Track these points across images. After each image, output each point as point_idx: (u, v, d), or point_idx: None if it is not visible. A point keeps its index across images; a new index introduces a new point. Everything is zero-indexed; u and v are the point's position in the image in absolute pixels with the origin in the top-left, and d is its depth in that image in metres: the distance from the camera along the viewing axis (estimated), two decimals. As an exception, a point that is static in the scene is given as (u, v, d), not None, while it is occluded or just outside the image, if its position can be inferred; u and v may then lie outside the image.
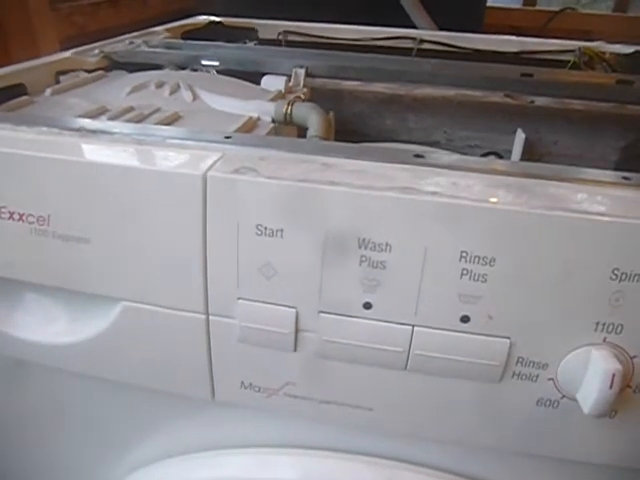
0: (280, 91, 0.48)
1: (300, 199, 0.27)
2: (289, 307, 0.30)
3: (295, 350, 0.31)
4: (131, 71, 0.55)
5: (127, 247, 0.30)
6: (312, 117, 0.40)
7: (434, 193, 0.27)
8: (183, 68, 0.55)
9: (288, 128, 0.43)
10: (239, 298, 0.30)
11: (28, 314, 0.36)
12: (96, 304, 0.33)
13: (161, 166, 0.29)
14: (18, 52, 0.66)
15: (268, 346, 0.31)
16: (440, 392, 0.31)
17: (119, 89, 0.46)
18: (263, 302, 0.30)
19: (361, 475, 0.37)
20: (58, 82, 0.51)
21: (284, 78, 0.50)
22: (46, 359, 0.36)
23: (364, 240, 0.27)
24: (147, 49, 0.60)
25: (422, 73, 0.58)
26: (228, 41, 0.79)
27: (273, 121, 0.42)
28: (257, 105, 0.42)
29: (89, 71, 0.54)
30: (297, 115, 0.41)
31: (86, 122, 0.34)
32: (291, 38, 0.80)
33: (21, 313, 0.36)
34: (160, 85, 0.46)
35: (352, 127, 0.59)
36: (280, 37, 0.80)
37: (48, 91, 0.46)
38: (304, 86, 0.52)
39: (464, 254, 0.27)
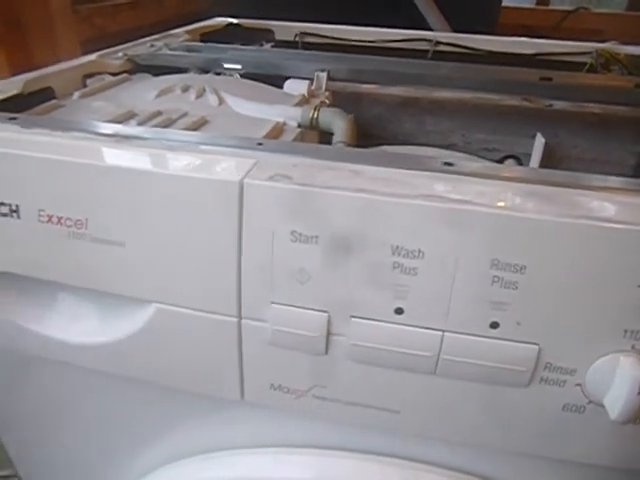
0: (304, 95, 0.49)
1: (332, 206, 0.28)
2: (321, 311, 0.30)
3: (325, 353, 0.31)
4: (155, 74, 0.56)
5: (161, 251, 0.31)
6: (338, 123, 0.41)
7: (465, 201, 0.27)
8: (206, 71, 0.56)
9: (311, 133, 0.44)
10: (272, 302, 0.31)
11: (60, 314, 0.37)
12: (128, 306, 0.34)
13: (197, 173, 0.29)
14: (40, 53, 0.67)
15: (298, 349, 0.32)
16: (467, 396, 0.31)
17: (145, 93, 0.47)
18: (296, 306, 0.30)
19: (378, 476, 0.38)
20: (85, 85, 0.51)
21: (307, 82, 0.51)
22: (77, 359, 0.37)
23: (397, 247, 0.28)
24: (169, 52, 0.60)
25: (439, 76, 0.59)
26: (245, 43, 0.80)
27: (299, 126, 0.42)
28: (283, 110, 0.43)
29: (114, 74, 0.55)
30: (323, 120, 0.42)
31: (120, 128, 0.35)
32: (307, 40, 0.81)
33: (53, 313, 0.37)
34: (186, 89, 0.47)
35: (370, 130, 0.59)
36: (297, 39, 0.81)
37: (76, 94, 0.47)
38: (326, 90, 0.53)
39: (495, 262, 0.27)
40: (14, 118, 0.36)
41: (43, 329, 0.37)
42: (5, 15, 0.60)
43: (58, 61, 0.70)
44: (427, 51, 0.79)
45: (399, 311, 0.29)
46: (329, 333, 0.31)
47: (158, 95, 0.46)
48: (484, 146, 0.59)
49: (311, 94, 0.51)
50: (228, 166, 0.30)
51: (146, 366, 0.35)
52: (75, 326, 0.36)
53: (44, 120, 0.35)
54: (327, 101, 0.44)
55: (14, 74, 0.62)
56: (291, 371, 0.33)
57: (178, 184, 0.29)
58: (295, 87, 0.51)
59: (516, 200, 0.27)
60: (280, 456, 0.39)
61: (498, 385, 0.30)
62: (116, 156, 0.31)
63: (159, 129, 0.36)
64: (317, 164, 0.30)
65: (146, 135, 0.34)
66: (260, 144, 0.32)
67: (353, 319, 0.30)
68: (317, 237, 0.28)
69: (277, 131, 0.40)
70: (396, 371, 0.31)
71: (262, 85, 0.51)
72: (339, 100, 0.54)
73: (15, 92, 0.42)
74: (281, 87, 0.53)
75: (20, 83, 0.44)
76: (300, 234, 0.29)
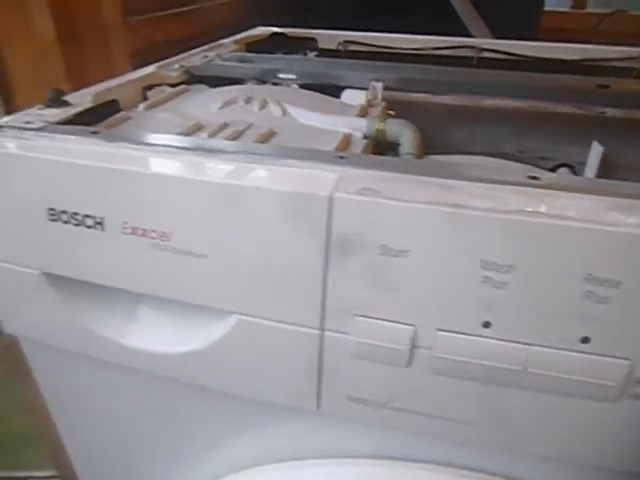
0: (363, 106, 0.49)
1: (426, 221, 0.28)
2: (407, 325, 0.30)
3: (409, 366, 0.32)
4: (211, 85, 0.56)
5: (244, 263, 0.32)
6: (405, 134, 0.41)
7: (559, 216, 0.27)
8: (263, 81, 0.56)
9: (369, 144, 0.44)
10: (356, 315, 0.31)
11: (139, 324, 0.37)
12: (208, 316, 0.34)
13: (284, 186, 0.30)
14: (94, 64, 0.68)
15: (381, 361, 0.32)
16: (551, 410, 0.31)
17: (208, 104, 0.48)
18: (381, 319, 0.31)
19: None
20: (145, 96, 0.53)
21: (364, 92, 0.51)
22: (154, 368, 0.38)
23: (488, 262, 0.28)
24: (223, 63, 0.61)
25: (489, 84, 0.59)
26: (289, 51, 0.81)
27: (364, 137, 0.43)
28: (348, 121, 0.43)
29: (172, 85, 0.56)
30: (390, 132, 0.42)
31: (200, 142, 0.36)
32: (350, 48, 0.81)
33: (132, 323, 0.38)
34: (248, 100, 0.48)
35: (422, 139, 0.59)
36: (340, 47, 0.81)
37: (141, 106, 0.48)
38: (382, 100, 0.53)
39: (588, 277, 0.27)
40: (95, 132, 0.36)
41: (121, 338, 0.37)
42: (62, 30, 0.61)
43: (111, 72, 0.72)
44: (471, 58, 0.79)
45: (487, 324, 0.29)
46: (414, 346, 0.31)
47: (222, 107, 0.47)
48: (538, 155, 0.58)
49: (368, 104, 0.51)
50: (313, 180, 0.30)
51: (223, 376, 0.36)
52: (153, 335, 0.37)
53: (124, 134, 0.36)
54: (392, 112, 0.44)
55: (74, 86, 0.64)
56: (371, 383, 0.33)
57: (264, 197, 0.30)
58: (353, 97, 0.51)
59: (611, 214, 0.27)
60: (347, 467, 0.40)
61: (585, 399, 0.30)
62: (201, 170, 0.32)
63: (238, 143, 0.37)
64: (402, 178, 0.31)
65: (228, 148, 0.34)
66: (342, 157, 0.32)
67: (440, 332, 0.30)
68: (407, 251, 0.29)
69: (345, 143, 0.40)
70: (479, 384, 0.31)
71: (320, 95, 0.52)
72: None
73: (89, 106, 0.43)
74: (335, 96, 0.54)
75: (89, 97, 0.45)
76: (390, 248, 0.29)
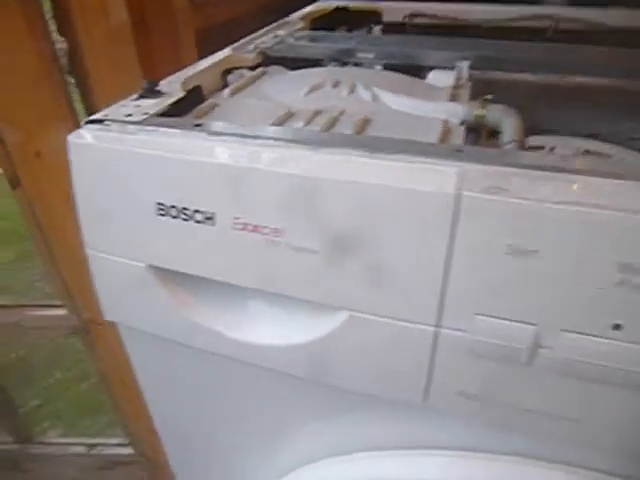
0: (451, 87, 0.48)
1: (560, 222, 0.27)
2: (530, 324, 0.30)
3: (528, 365, 0.31)
4: (289, 66, 0.55)
5: (359, 260, 0.31)
6: (507, 121, 0.39)
7: None
8: (341, 62, 0.55)
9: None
10: (477, 313, 0.30)
11: (246, 317, 0.38)
12: (316, 311, 0.35)
13: (408, 183, 0.29)
14: (161, 47, 0.68)
15: (499, 360, 0.31)
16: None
17: (293, 89, 0.47)
18: (502, 318, 0.30)
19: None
20: (225, 81, 0.52)
21: (453, 73, 0.49)
22: (261, 361, 0.38)
23: (625, 264, 0.27)
24: (296, 42, 0.60)
25: (576, 61, 0.56)
26: (354, 26, 0.79)
27: (461, 123, 0.41)
28: (445, 107, 0.42)
29: (248, 67, 0.55)
30: (490, 118, 0.40)
31: (306, 134, 0.35)
32: (417, 21, 0.78)
33: (239, 316, 0.38)
34: (335, 84, 0.47)
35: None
36: (406, 20, 0.78)
37: (226, 92, 0.48)
38: (468, 80, 0.51)
39: None
40: (198, 125, 0.36)
41: (227, 330, 0.38)
42: (133, 15, 0.61)
43: (177, 54, 0.72)
44: (546, 29, 0.75)
45: (617, 327, 0.28)
46: (535, 345, 0.30)
47: (309, 92, 0.46)
48: (631, 135, 0.56)
49: (456, 86, 0.49)
50: (436, 176, 0.29)
51: (328, 370, 0.36)
52: (259, 328, 0.37)
53: (227, 127, 0.36)
54: (489, 97, 0.43)
55: (144, 68, 0.64)
56: (485, 380, 0.33)
57: (388, 195, 0.29)
58: (439, 78, 0.50)
59: None
60: (430, 458, 0.40)
61: None
62: (313, 166, 0.31)
63: (345, 135, 0.36)
64: (527, 174, 0.29)
65: (336, 142, 0.33)
66: (459, 151, 0.31)
67: (565, 333, 0.29)
68: (537, 252, 0.28)
69: (447, 131, 0.39)
70: (595, 384, 0.31)
71: (407, 77, 0.50)
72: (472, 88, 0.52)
73: (181, 95, 0.42)
74: (415, 75, 0.52)
75: (178, 84, 0.45)
76: (517, 248, 0.28)
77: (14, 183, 0.66)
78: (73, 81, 0.64)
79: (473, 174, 0.29)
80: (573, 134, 0.56)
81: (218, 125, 0.36)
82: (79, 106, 0.65)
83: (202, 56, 0.71)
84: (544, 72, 0.56)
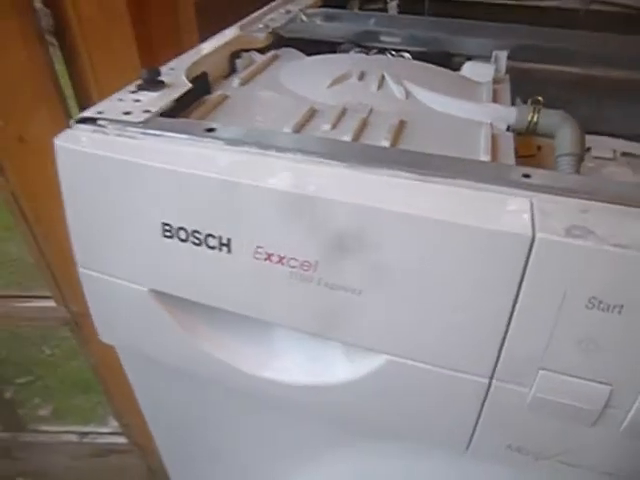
0: (491, 83, 0.42)
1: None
2: (604, 384, 0.26)
3: (593, 425, 0.27)
4: (303, 49, 0.49)
5: (409, 302, 0.27)
6: (565, 131, 0.34)
7: None
8: (362, 46, 0.49)
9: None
10: (541, 368, 0.26)
11: (262, 350, 0.33)
12: (354, 353, 0.30)
13: (470, 219, 0.24)
14: (158, 24, 0.61)
15: (561, 418, 0.27)
16: None
17: (313, 79, 0.41)
18: (572, 376, 0.26)
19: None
20: (233, 65, 0.46)
21: (492, 67, 0.44)
22: (282, 400, 0.34)
23: None
24: (310, 22, 0.54)
25: (618, 53, 0.50)
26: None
27: (508, 129, 0.36)
28: (493, 110, 0.36)
29: (258, 50, 0.49)
30: (544, 124, 0.35)
31: (342, 146, 0.30)
32: (437, -5, 0.72)
33: (253, 348, 0.34)
34: (362, 76, 0.41)
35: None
36: (425, -5, 0.72)
37: (235, 82, 0.42)
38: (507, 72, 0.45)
39: None
40: (211, 130, 0.31)
41: (238, 363, 0.34)
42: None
43: (177, 27, 0.65)
44: (578, 10, 0.69)
45: None
46: (606, 406, 0.26)
47: (332, 84, 0.40)
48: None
49: (494, 80, 0.44)
50: (505, 211, 0.25)
51: (359, 414, 0.32)
52: (281, 365, 0.33)
53: (246, 133, 0.30)
54: (540, 98, 0.37)
55: (140, 46, 0.58)
56: (541, 436, 0.29)
57: (443, 231, 0.24)
58: (477, 71, 0.44)
59: None
60: None
61: None
62: (358, 191, 0.26)
63: (391, 150, 0.31)
64: (614, 211, 0.25)
65: (376, 157, 0.28)
66: (527, 176, 0.27)
67: (644, 396, 0.25)
68: (622, 306, 0.23)
69: (494, 140, 0.34)
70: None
71: (440, 69, 0.44)
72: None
73: (186, 88, 0.37)
74: (443, 63, 0.46)
75: (182, 72, 0.39)
76: (601, 301, 0.23)
77: (-5, 170, 0.60)
78: (60, 59, 0.57)
79: (549, 209, 0.25)
80: (615, 135, 0.51)
81: (234, 131, 0.31)
82: (66, 84, 0.59)
83: (202, 29, 0.65)
84: (584, 64, 0.50)
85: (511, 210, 0.25)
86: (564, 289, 0.24)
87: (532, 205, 0.25)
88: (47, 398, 1.39)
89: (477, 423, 0.30)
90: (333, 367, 0.31)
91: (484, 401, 0.28)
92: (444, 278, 0.25)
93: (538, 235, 0.23)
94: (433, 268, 0.25)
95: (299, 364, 0.32)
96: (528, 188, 0.26)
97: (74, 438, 1.02)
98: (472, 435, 0.30)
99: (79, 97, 0.60)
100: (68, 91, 0.60)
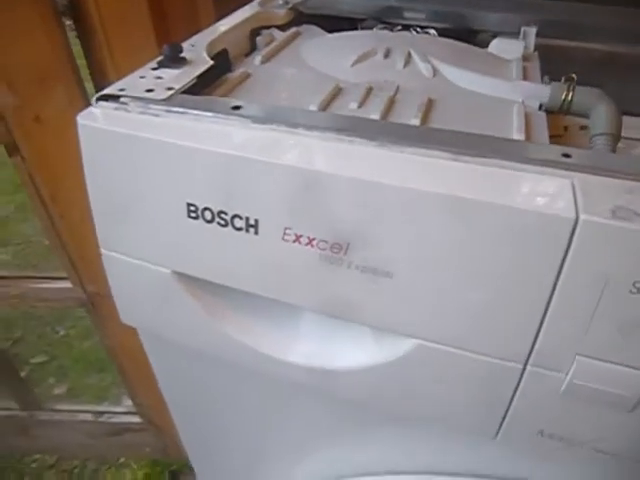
0: (520, 60, 0.41)
1: None
2: (643, 370, 0.25)
3: (630, 411, 0.26)
4: (324, 26, 0.48)
5: (444, 286, 0.26)
6: (601, 109, 0.33)
7: None
8: (385, 22, 0.48)
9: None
10: (578, 354, 0.25)
11: (304, 340, 0.33)
12: (382, 336, 0.30)
13: (510, 200, 0.23)
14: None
15: (598, 404, 0.27)
16: None
17: (337, 56, 0.40)
18: (613, 362, 0.25)
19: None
20: (254, 42, 0.45)
21: (521, 44, 0.42)
22: (317, 383, 0.33)
23: None
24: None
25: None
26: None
27: (540, 107, 0.35)
28: (525, 88, 0.35)
29: (278, 26, 0.48)
30: (579, 103, 0.34)
31: (376, 126, 0.29)
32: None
33: (298, 338, 0.33)
34: (388, 53, 0.40)
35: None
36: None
37: (257, 59, 0.41)
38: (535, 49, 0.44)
39: None
40: (237, 107, 0.30)
41: (293, 357, 0.33)
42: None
43: (194, 2, 0.63)
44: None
45: None
46: (644, 392, 0.25)
47: (357, 61, 0.39)
48: None
49: (524, 57, 0.42)
50: (544, 191, 0.24)
51: (385, 398, 0.32)
52: (308, 349, 0.32)
53: (272, 112, 0.29)
54: (574, 77, 0.36)
55: (154, 21, 0.56)
56: (576, 422, 0.28)
57: (481, 212, 0.24)
58: (505, 48, 0.43)
59: None
60: None
61: None
62: (386, 168, 0.25)
63: (423, 128, 0.29)
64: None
65: (408, 135, 0.27)
66: (567, 155, 0.25)
67: (687, 383, 0.24)
68: (669, 290, 0.22)
69: (528, 119, 0.33)
70: None
71: (467, 46, 0.43)
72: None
73: (208, 65, 0.36)
74: (471, 40, 0.45)
75: (203, 49, 0.38)
76: (646, 285, 0.23)
77: (10, 150, 0.60)
78: (75, 36, 0.56)
79: (592, 190, 0.24)
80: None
81: (261, 109, 0.30)
82: (82, 64, 0.58)
83: (218, 6, 0.63)
84: (614, 40, 0.48)
85: (553, 191, 0.24)
86: (607, 273, 0.23)
87: (574, 186, 0.24)
88: (62, 378, 1.41)
89: (508, 409, 0.29)
90: (360, 351, 0.31)
91: (517, 387, 0.28)
92: (481, 261, 0.25)
93: (582, 217, 0.22)
94: (469, 250, 0.24)
95: (325, 348, 0.32)
96: (569, 168, 0.25)
97: (90, 417, 1.03)
98: (502, 421, 0.30)
99: (95, 76, 0.59)
100: (84, 71, 0.59)
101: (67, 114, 0.57)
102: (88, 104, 0.32)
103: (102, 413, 1.03)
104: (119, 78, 0.35)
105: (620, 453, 0.29)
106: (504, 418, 0.30)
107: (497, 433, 0.31)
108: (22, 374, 1.34)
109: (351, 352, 0.31)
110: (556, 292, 0.24)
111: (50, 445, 1.09)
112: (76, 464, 1.18)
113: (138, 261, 0.33)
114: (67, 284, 0.76)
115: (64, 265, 0.73)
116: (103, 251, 0.34)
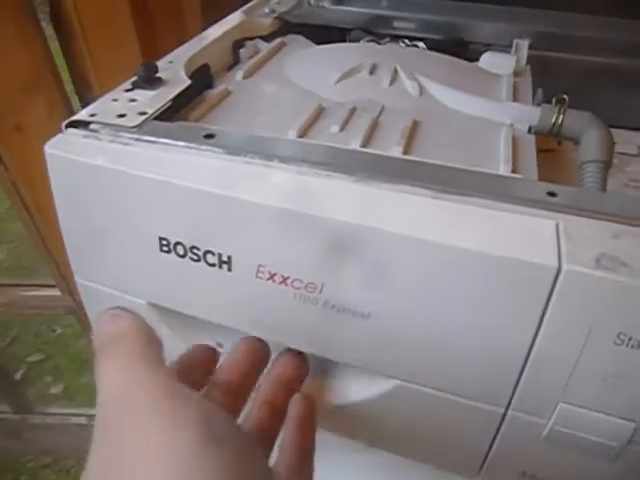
0: (512, 76, 0.39)
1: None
2: (628, 420, 0.24)
3: (613, 461, 0.25)
4: (311, 37, 0.47)
5: (420, 330, 0.25)
6: (592, 134, 0.31)
7: None
8: (375, 34, 0.46)
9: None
10: (560, 401, 0.24)
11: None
12: (352, 373, 0.29)
13: (487, 247, 0.22)
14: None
15: (581, 451, 0.26)
16: None
17: (321, 72, 0.39)
18: (595, 410, 0.24)
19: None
20: (237, 55, 0.43)
21: (513, 58, 0.41)
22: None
23: None
24: (319, 5, 0.51)
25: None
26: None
27: (529, 130, 0.34)
28: (513, 109, 0.34)
29: (263, 37, 0.46)
30: (569, 127, 0.32)
31: (355, 157, 0.28)
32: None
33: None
34: (373, 69, 0.38)
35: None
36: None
37: (238, 75, 0.40)
38: (527, 62, 0.43)
39: None
40: (210, 136, 0.29)
41: None
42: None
43: (179, 6, 0.62)
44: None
45: None
46: (629, 442, 0.24)
47: (341, 78, 0.38)
48: None
49: (515, 73, 0.41)
50: (525, 236, 0.22)
51: (364, 433, 0.31)
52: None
53: (247, 140, 0.28)
54: (566, 98, 0.34)
55: (138, 25, 0.55)
56: (557, 466, 0.27)
57: (458, 257, 0.22)
58: (496, 62, 0.41)
59: None
60: None
61: None
62: (364, 210, 0.24)
63: (403, 161, 0.28)
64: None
65: (388, 168, 0.26)
66: (552, 194, 0.24)
67: (673, 434, 0.23)
68: (655, 343, 0.21)
69: (515, 144, 0.31)
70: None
71: (457, 61, 0.42)
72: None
73: (185, 85, 0.34)
74: (461, 52, 0.44)
75: (181, 66, 0.37)
76: (630, 337, 0.21)
77: (-6, 160, 0.59)
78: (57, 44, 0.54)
79: (576, 234, 0.22)
80: (636, 127, 0.48)
81: (234, 138, 0.29)
82: (63, 72, 0.56)
83: (205, 10, 0.62)
84: (609, 52, 0.47)
85: (535, 235, 0.22)
86: (590, 323, 0.22)
87: (558, 229, 0.23)
88: (58, 377, 1.41)
89: (490, 450, 0.28)
90: (341, 387, 0.30)
91: (498, 429, 0.27)
92: (459, 306, 0.23)
93: (565, 267, 0.21)
94: (447, 296, 0.23)
95: (306, 382, 0.31)
96: (553, 209, 0.24)
97: (83, 420, 1.02)
98: (484, 461, 0.29)
99: (76, 81, 0.58)
100: (65, 75, 0.58)
101: (48, 122, 0.56)
102: (71, 113, 0.31)
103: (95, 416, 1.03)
104: (99, 83, 0.33)
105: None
106: (485, 458, 0.29)
107: (479, 472, 0.30)
108: (19, 373, 1.34)
109: (332, 387, 0.30)
110: (537, 341, 0.23)
111: (43, 448, 1.08)
112: (72, 463, 1.19)
113: (113, 291, 0.32)
114: (56, 292, 0.75)
115: (52, 273, 0.72)
116: (77, 279, 0.33)
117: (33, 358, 1.46)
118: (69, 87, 0.58)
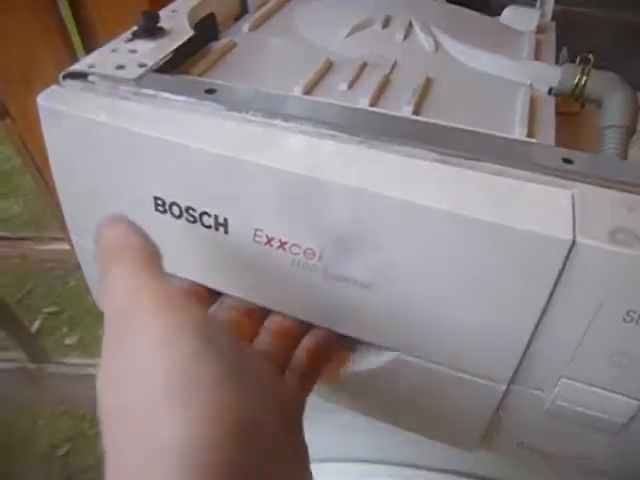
0: (534, 32, 0.37)
1: None
2: (632, 398, 0.23)
3: (616, 435, 0.25)
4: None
5: (422, 303, 0.24)
6: (616, 97, 0.29)
7: None
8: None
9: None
10: (563, 376, 0.24)
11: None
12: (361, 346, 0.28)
13: (498, 216, 0.21)
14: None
15: (582, 426, 0.25)
16: None
17: (331, 25, 0.37)
18: (599, 387, 0.23)
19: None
20: (245, 5, 0.41)
21: (537, 13, 0.38)
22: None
23: None
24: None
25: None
26: None
27: (549, 91, 0.31)
28: (534, 69, 0.32)
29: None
30: (592, 88, 0.30)
31: (355, 112, 0.26)
32: None
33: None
34: (386, 23, 0.36)
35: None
36: None
37: (245, 27, 0.38)
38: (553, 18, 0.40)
39: None
40: (211, 91, 0.27)
41: None
42: None
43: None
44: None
45: None
46: (632, 419, 0.24)
47: (352, 32, 0.36)
48: None
49: (538, 29, 0.38)
50: (539, 207, 0.21)
51: (370, 405, 0.31)
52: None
53: (251, 96, 0.27)
54: (591, 57, 0.32)
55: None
56: (558, 439, 0.27)
57: (465, 227, 0.21)
58: (519, 17, 0.39)
59: None
60: None
61: None
62: (367, 174, 0.23)
63: (413, 121, 0.26)
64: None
65: (401, 133, 0.25)
66: (568, 161, 0.23)
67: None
68: (667, 322, 0.20)
69: (533, 106, 0.29)
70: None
71: (476, 15, 0.39)
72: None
73: (187, 36, 0.33)
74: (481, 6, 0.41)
75: (184, 15, 0.35)
76: (641, 315, 0.20)
77: (1, 112, 0.58)
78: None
79: (592, 205, 0.21)
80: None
81: (237, 93, 0.27)
82: (70, 23, 0.54)
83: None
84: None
85: (549, 205, 0.21)
86: (601, 299, 0.21)
87: (573, 199, 0.21)
88: (73, 327, 1.44)
89: (491, 425, 0.28)
90: (343, 357, 0.29)
91: (499, 404, 0.26)
92: (464, 278, 0.22)
93: (579, 239, 0.20)
94: (451, 267, 0.22)
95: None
96: (569, 177, 0.22)
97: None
98: (483, 434, 0.28)
99: (82, 32, 0.56)
100: (71, 24, 0.56)
101: (55, 74, 0.55)
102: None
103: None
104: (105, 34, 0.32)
105: (599, 470, 0.27)
106: (485, 431, 0.28)
107: (479, 444, 0.29)
108: (35, 324, 1.37)
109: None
110: (545, 315, 0.22)
111: (59, 396, 1.12)
112: (87, 410, 1.23)
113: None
114: (66, 245, 0.76)
115: (61, 227, 0.72)
116: (73, 237, 0.33)
117: (49, 310, 1.50)
118: (75, 38, 0.56)
